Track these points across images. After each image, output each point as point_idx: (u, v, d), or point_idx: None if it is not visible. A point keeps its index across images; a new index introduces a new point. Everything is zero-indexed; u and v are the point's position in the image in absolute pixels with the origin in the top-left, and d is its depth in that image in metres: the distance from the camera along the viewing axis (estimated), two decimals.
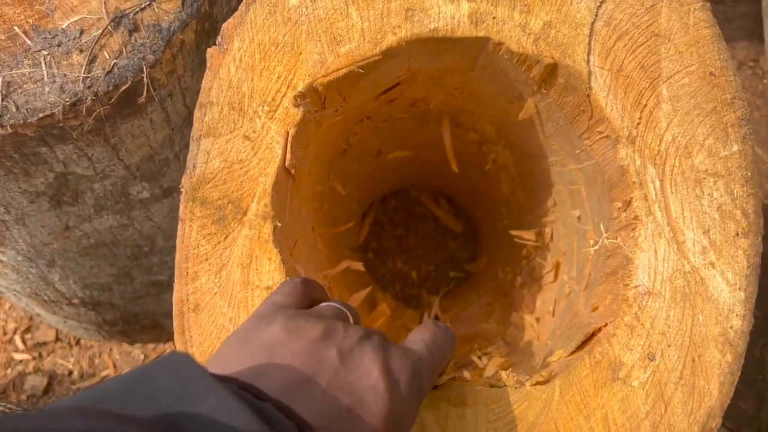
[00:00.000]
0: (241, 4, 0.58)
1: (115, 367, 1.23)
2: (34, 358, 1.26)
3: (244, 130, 0.56)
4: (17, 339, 1.27)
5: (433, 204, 1.36)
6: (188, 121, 0.73)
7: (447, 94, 0.79)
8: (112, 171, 0.71)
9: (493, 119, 0.86)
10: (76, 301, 1.00)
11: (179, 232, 0.55)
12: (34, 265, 0.86)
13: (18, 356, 1.26)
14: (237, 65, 0.57)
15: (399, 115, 0.90)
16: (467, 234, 1.33)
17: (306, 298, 0.47)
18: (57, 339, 1.27)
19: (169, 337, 1.23)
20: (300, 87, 0.57)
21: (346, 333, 0.41)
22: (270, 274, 0.54)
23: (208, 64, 0.57)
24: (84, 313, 1.06)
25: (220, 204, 0.55)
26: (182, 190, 0.56)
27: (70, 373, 1.23)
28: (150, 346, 1.26)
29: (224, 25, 0.58)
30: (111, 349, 1.26)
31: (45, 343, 1.27)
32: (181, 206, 0.55)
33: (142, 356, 1.24)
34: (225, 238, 0.55)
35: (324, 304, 0.47)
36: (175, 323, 0.54)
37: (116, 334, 1.19)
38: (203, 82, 0.57)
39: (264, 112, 0.56)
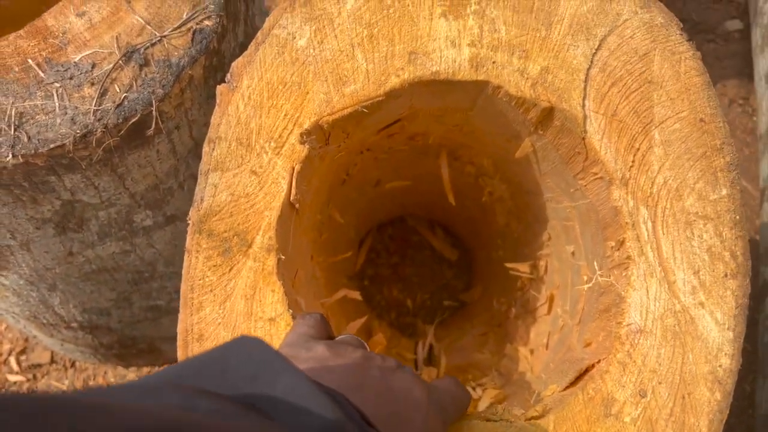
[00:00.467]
0: (251, 43, 0.60)
1: None
2: (28, 380, 1.26)
3: (251, 165, 0.58)
4: (12, 360, 1.27)
5: (429, 233, 1.38)
6: (194, 152, 0.75)
7: (446, 130, 0.81)
8: (117, 199, 0.72)
9: (491, 155, 0.88)
10: (74, 324, 1.01)
11: (185, 263, 0.57)
12: (35, 289, 0.87)
13: (12, 377, 1.26)
14: (246, 102, 0.59)
15: (399, 148, 0.92)
16: (462, 263, 1.35)
17: (326, 333, 0.49)
18: (52, 361, 1.28)
19: (165, 360, 1.23)
20: (306, 125, 0.59)
21: (384, 359, 0.44)
22: (273, 305, 0.56)
23: (217, 101, 0.59)
24: (81, 336, 1.06)
25: (226, 236, 0.57)
26: (189, 222, 0.57)
27: None
28: (145, 369, 1.26)
29: (234, 64, 0.60)
30: (106, 372, 1.26)
31: (40, 365, 1.27)
32: (188, 238, 0.57)
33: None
34: (230, 270, 0.56)
35: (346, 335, 0.49)
36: (179, 353, 0.55)
37: (112, 357, 1.19)
38: (213, 117, 0.59)
39: (271, 148, 0.58)
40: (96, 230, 0.76)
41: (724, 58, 1.57)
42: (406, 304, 1.32)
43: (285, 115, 0.59)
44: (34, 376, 1.27)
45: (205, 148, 0.58)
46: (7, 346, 1.29)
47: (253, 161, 0.58)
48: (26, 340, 1.29)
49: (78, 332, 1.04)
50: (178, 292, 0.98)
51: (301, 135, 0.59)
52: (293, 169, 0.58)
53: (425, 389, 0.44)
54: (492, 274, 1.19)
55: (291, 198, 0.58)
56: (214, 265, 0.57)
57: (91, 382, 1.25)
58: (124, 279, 0.89)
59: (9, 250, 0.76)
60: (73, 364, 1.27)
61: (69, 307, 0.94)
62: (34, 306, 0.93)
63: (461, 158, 0.97)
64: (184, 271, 0.57)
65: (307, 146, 0.59)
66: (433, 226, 1.40)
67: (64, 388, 1.25)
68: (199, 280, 0.56)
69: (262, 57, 0.60)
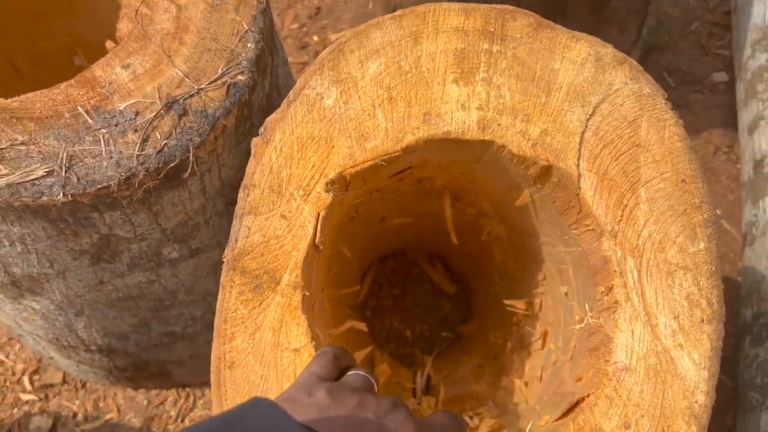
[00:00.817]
0: (283, 101, 0.68)
1: (119, 411, 1.28)
2: (40, 399, 1.31)
3: (282, 210, 0.65)
4: (25, 380, 1.32)
5: (429, 266, 1.44)
6: (220, 192, 0.81)
7: (451, 176, 0.88)
8: (149, 234, 0.79)
9: (491, 199, 0.95)
10: (93, 347, 1.06)
11: (219, 297, 0.63)
12: (63, 314, 0.93)
13: (25, 397, 1.30)
14: (278, 154, 0.66)
15: (405, 189, 0.99)
16: (461, 297, 1.41)
17: (338, 369, 0.55)
18: (64, 381, 1.32)
19: (173, 384, 1.28)
20: (331, 175, 0.66)
21: (378, 403, 0.50)
22: (298, 337, 0.62)
23: (252, 152, 0.66)
24: (98, 358, 1.11)
25: (257, 274, 0.63)
26: (224, 260, 0.64)
27: (75, 415, 1.28)
28: (153, 392, 1.31)
29: (267, 120, 0.67)
30: (115, 394, 1.31)
31: (52, 385, 1.32)
32: (223, 274, 0.63)
33: (145, 401, 1.29)
34: (260, 304, 0.63)
35: (353, 373, 0.55)
36: (213, 378, 0.61)
37: (123, 379, 1.24)
38: (248, 167, 0.66)
39: (299, 195, 0.65)
40: (127, 261, 0.82)
41: (710, 108, 1.65)
42: (405, 335, 1.38)
43: (312, 166, 0.66)
44: (46, 396, 1.31)
45: (241, 194, 0.65)
46: (20, 366, 1.34)
47: (283, 207, 0.65)
48: (39, 360, 1.34)
49: (95, 355, 1.09)
50: (194, 318, 1.04)
51: (327, 184, 0.66)
52: (319, 214, 0.65)
53: (417, 428, 0.50)
54: (489, 308, 1.26)
55: (316, 241, 0.65)
56: (246, 300, 0.63)
57: (101, 403, 1.30)
58: (146, 306, 0.94)
59: (45, 278, 0.82)
60: (84, 385, 1.32)
61: (92, 331, 0.99)
62: (59, 329, 0.99)
63: (463, 200, 1.03)
64: (218, 304, 0.63)
65: (332, 194, 0.66)
66: (433, 259, 1.46)
67: (75, 408, 1.29)
68: (232, 312, 0.62)
69: (293, 114, 0.67)
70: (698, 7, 1.76)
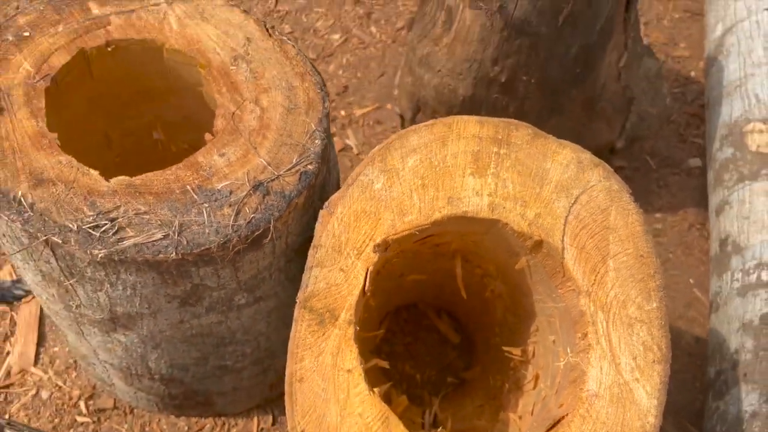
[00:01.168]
0: (344, 184, 0.90)
1: None
2: (93, 422, 1.49)
3: (341, 264, 0.87)
4: (81, 404, 1.50)
5: (437, 318, 1.65)
6: (284, 252, 1.03)
7: (464, 242, 1.10)
8: (228, 284, 1.00)
9: (495, 262, 1.17)
10: (157, 376, 1.26)
11: (293, 329, 0.84)
12: (143, 346, 1.13)
13: (80, 419, 1.49)
14: (339, 223, 0.88)
15: (424, 251, 1.21)
16: (464, 345, 1.61)
17: None
18: (114, 407, 1.51)
19: (213, 413, 1.47)
20: (378, 240, 0.88)
21: None
22: (350, 361, 0.83)
23: (319, 220, 0.89)
24: (157, 386, 1.31)
25: (321, 312, 0.85)
26: (297, 300, 0.85)
27: None
28: (193, 419, 1.49)
29: (331, 198, 0.90)
30: (159, 420, 1.49)
31: (104, 410, 1.51)
32: (296, 311, 0.85)
33: (186, 428, 1.48)
34: (323, 335, 0.84)
35: None
36: (286, 389, 0.82)
37: (171, 406, 1.43)
38: (316, 231, 0.88)
39: (354, 254, 0.87)
40: (206, 305, 1.03)
41: (686, 189, 1.89)
42: (415, 378, 1.57)
43: (364, 233, 0.88)
44: (99, 419, 1.50)
45: (310, 252, 0.87)
46: (76, 392, 1.52)
47: (341, 262, 0.87)
48: (93, 387, 1.53)
49: (156, 383, 1.29)
50: (244, 355, 1.25)
51: (375, 247, 0.88)
52: (368, 269, 0.87)
53: None
54: (489, 355, 1.46)
55: (365, 290, 0.87)
56: (313, 331, 0.84)
57: (147, 428, 1.48)
58: (210, 342, 1.15)
59: (140, 316, 1.03)
60: (132, 411, 1.51)
61: (161, 362, 1.19)
62: (134, 359, 1.19)
63: (471, 262, 1.25)
64: (291, 334, 0.84)
65: (378, 254, 0.88)
66: (440, 312, 1.67)
67: (124, 431, 1.48)
68: (302, 340, 0.84)
69: (351, 194, 0.90)
70: (675, 104, 2.03)
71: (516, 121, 0.93)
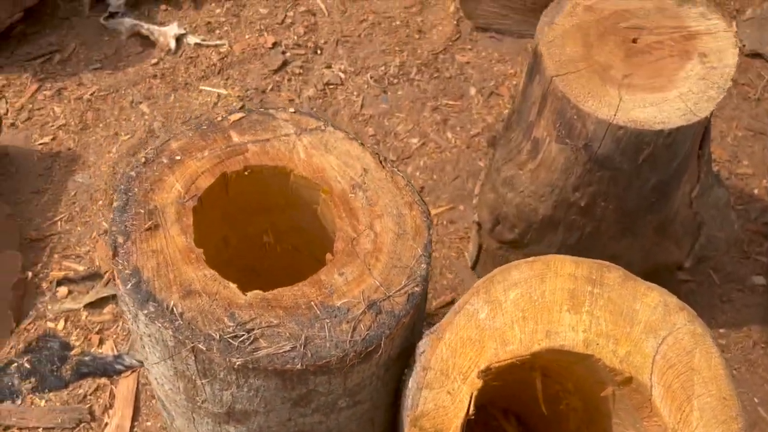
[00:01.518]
0: (450, 311, 1.02)
1: None
2: None
3: (447, 387, 0.97)
4: None
5: (505, 420, 1.71)
6: (387, 363, 1.13)
7: (548, 361, 1.19)
8: (336, 390, 1.11)
9: (575, 381, 1.25)
10: None
11: None
12: None
13: None
14: (447, 348, 0.99)
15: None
16: None
17: None
18: None
19: None
20: (482, 366, 0.98)
21: None
22: None
23: (428, 343, 1.00)
24: None
25: (429, 430, 0.94)
26: (407, 418, 0.95)
27: None
28: None
29: (440, 323, 1.01)
30: None
31: None
32: (407, 428, 0.94)
33: None
34: None
35: None
36: None
37: None
38: (426, 354, 0.99)
39: (460, 378, 0.97)
40: (313, 407, 1.14)
41: (750, 306, 1.94)
42: None
43: (470, 359, 0.99)
44: None
45: (420, 372, 0.98)
46: None
47: (448, 385, 0.97)
48: None
49: None
50: None
51: (479, 372, 0.98)
52: (472, 394, 0.97)
53: None
54: None
55: (470, 412, 0.96)
56: None
57: None
58: None
59: (255, 413, 1.14)
60: None
61: None
62: None
63: (551, 377, 1.34)
64: None
65: (482, 380, 0.98)
66: (507, 414, 1.74)
67: None
68: None
69: (458, 321, 1.01)
70: (738, 220, 2.10)
71: (608, 263, 1.04)
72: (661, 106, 1.29)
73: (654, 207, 1.49)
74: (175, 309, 1.03)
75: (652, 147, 1.31)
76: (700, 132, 1.43)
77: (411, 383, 1.03)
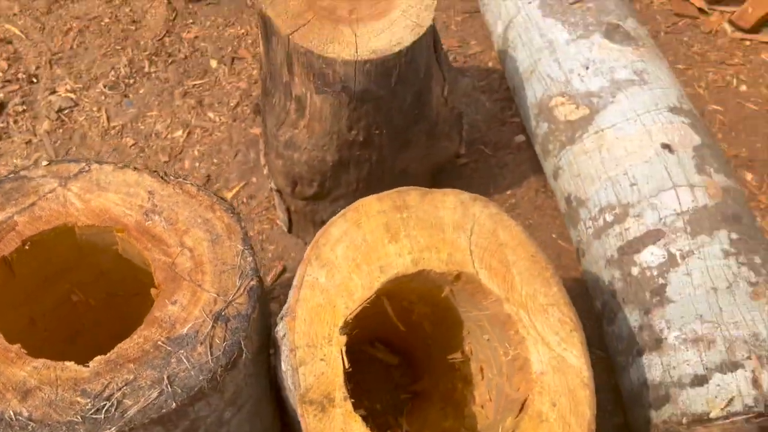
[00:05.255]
0: (293, 289, 1.06)
1: None
2: None
3: (319, 356, 1.03)
4: None
5: (372, 348, 1.84)
6: (254, 360, 1.16)
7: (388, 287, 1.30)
8: (217, 407, 1.11)
9: (418, 293, 1.38)
10: None
11: (303, 423, 0.99)
12: None
13: None
14: (303, 323, 1.04)
15: None
16: (404, 364, 1.82)
17: None
18: None
19: None
20: (340, 324, 1.05)
21: None
22: (359, 428, 1.00)
23: (288, 328, 1.04)
24: None
25: (319, 400, 1.01)
26: (297, 400, 1.00)
27: None
28: None
29: (287, 306, 1.05)
30: None
31: None
32: (298, 408, 1.00)
33: None
34: (328, 418, 1.00)
35: None
36: None
37: None
38: (288, 337, 1.03)
39: (326, 342, 1.04)
40: (203, 429, 1.14)
41: (522, 162, 2.23)
42: (376, 408, 1.76)
43: (327, 322, 1.05)
44: None
45: (290, 355, 1.02)
46: None
47: (319, 354, 1.03)
48: None
49: None
50: None
51: (340, 330, 1.05)
52: (342, 350, 1.04)
53: None
54: (432, 366, 1.68)
55: (346, 366, 1.03)
56: (319, 419, 1.00)
57: None
58: None
59: None
60: None
61: None
62: None
63: (394, 298, 1.46)
64: (302, 427, 0.99)
65: (345, 335, 1.05)
66: (373, 342, 1.86)
67: None
68: (313, 428, 0.99)
69: (303, 295, 1.06)
70: (483, 95, 2.36)
71: (405, 188, 1.14)
72: (391, 29, 1.39)
73: (418, 117, 1.63)
74: (19, 415, 0.95)
75: (398, 68, 1.42)
76: (431, 37, 1.57)
77: (285, 366, 1.08)
